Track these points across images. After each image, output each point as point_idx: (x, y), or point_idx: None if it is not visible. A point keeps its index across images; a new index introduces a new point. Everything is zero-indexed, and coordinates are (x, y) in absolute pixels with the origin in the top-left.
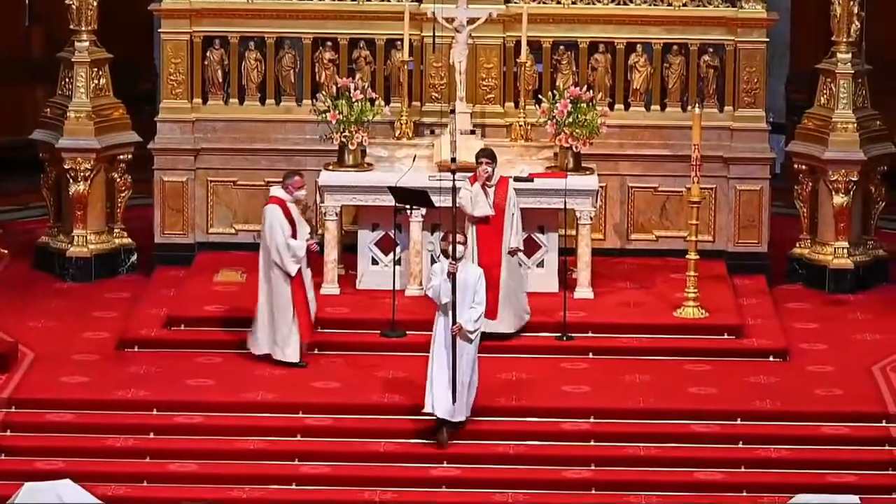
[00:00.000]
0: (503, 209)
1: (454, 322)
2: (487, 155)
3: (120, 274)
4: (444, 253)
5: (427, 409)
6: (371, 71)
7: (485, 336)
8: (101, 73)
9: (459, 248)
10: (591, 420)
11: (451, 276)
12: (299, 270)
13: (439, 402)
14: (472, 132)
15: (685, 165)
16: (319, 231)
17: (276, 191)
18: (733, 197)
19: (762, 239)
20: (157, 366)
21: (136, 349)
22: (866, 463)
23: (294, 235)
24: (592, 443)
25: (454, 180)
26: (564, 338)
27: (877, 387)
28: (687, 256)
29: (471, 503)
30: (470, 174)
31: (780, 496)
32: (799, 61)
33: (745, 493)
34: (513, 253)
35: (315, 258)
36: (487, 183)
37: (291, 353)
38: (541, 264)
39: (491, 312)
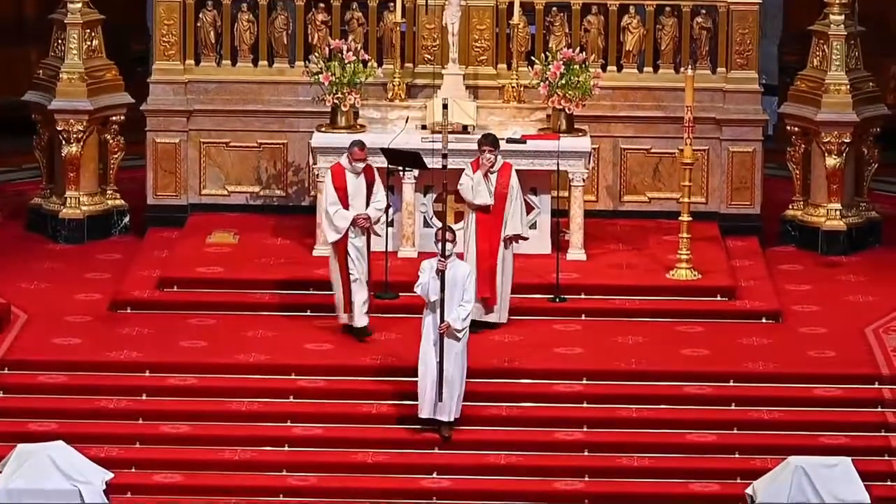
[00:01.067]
0: (504, 196)
1: (442, 320)
2: (490, 142)
3: (112, 235)
4: (438, 215)
5: (423, 415)
6: (364, 32)
7: (480, 325)
8: (93, 34)
9: (448, 245)
10: (584, 382)
11: (440, 273)
12: (344, 241)
13: (428, 404)
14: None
15: (678, 127)
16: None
17: (343, 158)
18: (726, 158)
19: (755, 201)
20: (150, 327)
21: (128, 311)
22: (858, 424)
23: (346, 206)
24: (585, 404)
25: (445, 184)
26: (557, 299)
27: (869, 348)
28: (679, 218)
29: (463, 464)
30: (459, 133)
31: (773, 457)
32: (792, 23)
33: (737, 455)
34: (512, 241)
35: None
36: (490, 170)
37: (345, 318)
38: (533, 226)
39: (491, 301)
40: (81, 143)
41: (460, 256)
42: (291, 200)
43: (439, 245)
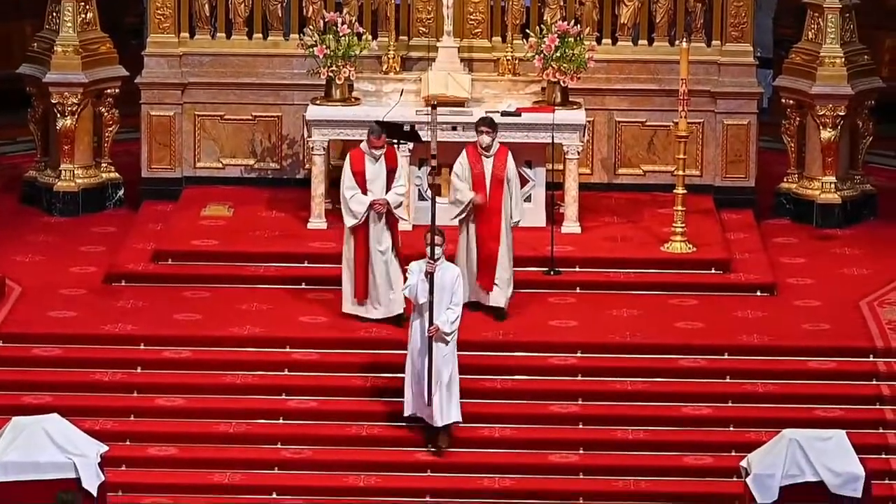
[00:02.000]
0: (501, 180)
1: (431, 323)
2: (487, 124)
3: (107, 208)
4: (432, 188)
5: (407, 413)
6: (358, 5)
7: (478, 307)
8: (88, 7)
9: (437, 248)
10: (578, 354)
11: (429, 275)
12: (364, 227)
13: (414, 401)
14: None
15: (673, 100)
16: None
17: (364, 142)
18: (721, 131)
19: (750, 173)
20: (145, 300)
21: (123, 283)
22: (853, 397)
23: (364, 190)
24: (579, 377)
25: (434, 196)
26: (552, 272)
27: (864, 321)
28: (674, 191)
29: (457, 438)
30: (456, 108)
31: (767, 430)
32: None
33: (731, 428)
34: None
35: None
36: (485, 153)
37: (350, 308)
38: (528, 199)
39: (488, 286)
40: (76, 116)
41: (450, 259)
42: (286, 173)
43: (428, 248)
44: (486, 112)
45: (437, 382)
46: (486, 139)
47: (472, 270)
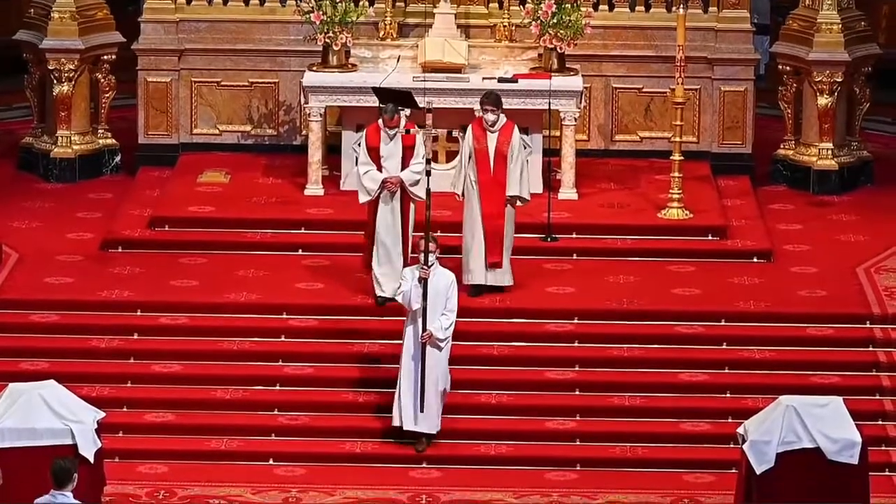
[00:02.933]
0: (505, 155)
1: (424, 329)
2: (493, 102)
3: (104, 175)
4: (428, 161)
5: (395, 423)
6: None
7: (487, 289)
8: None
9: (431, 254)
10: (575, 321)
11: (423, 281)
12: (376, 203)
13: (407, 414)
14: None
15: (669, 66)
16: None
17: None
18: (718, 98)
19: (746, 140)
20: (141, 267)
21: (119, 250)
22: (850, 364)
23: (379, 167)
24: (576, 344)
25: (429, 202)
26: (549, 239)
27: (861, 288)
28: (671, 157)
29: (454, 404)
30: (453, 74)
31: (764, 397)
32: None
33: (728, 395)
34: (514, 201)
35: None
36: (490, 128)
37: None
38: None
39: (498, 262)
40: (73, 83)
41: (439, 260)
42: (283, 140)
43: (421, 255)
44: (484, 79)
45: (431, 390)
46: (490, 117)
47: (477, 250)
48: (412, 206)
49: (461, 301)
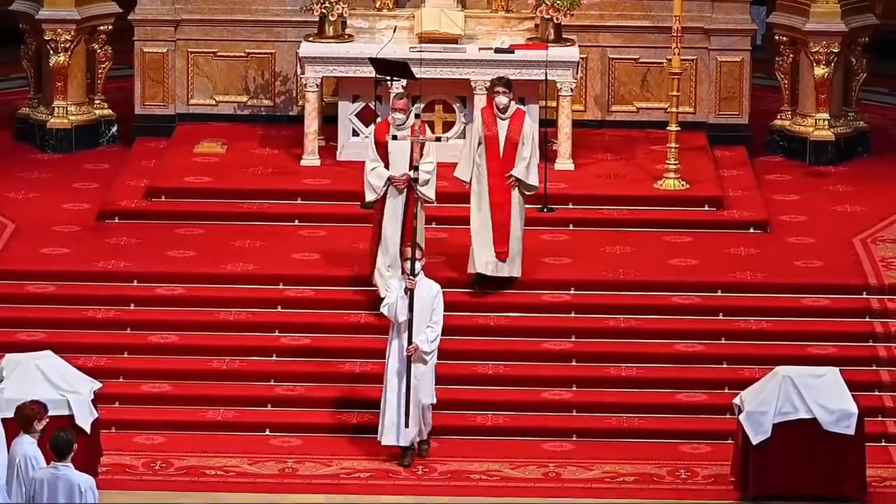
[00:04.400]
0: (516, 143)
1: (409, 342)
2: (504, 84)
3: (100, 145)
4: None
5: (380, 439)
6: None
7: (495, 280)
8: None
9: (417, 262)
10: (572, 292)
11: (409, 292)
12: (383, 202)
13: (390, 430)
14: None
15: (666, 37)
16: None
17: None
18: (714, 68)
19: (743, 110)
20: (138, 237)
21: (116, 220)
22: (847, 335)
23: (386, 164)
24: (573, 314)
25: (416, 217)
26: (545, 209)
27: (857, 258)
28: (668, 128)
29: (451, 375)
30: (449, 45)
31: (760, 368)
32: None
33: (724, 365)
34: (515, 184)
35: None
36: (501, 115)
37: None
38: (522, 101)
39: (504, 254)
40: (69, 53)
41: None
42: (279, 110)
43: (407, 264)
44: (480, 49)
45: (416, 404)
46: (502, 100)
47: (484, 240)
48: (418, 211)
49: (459, 272)
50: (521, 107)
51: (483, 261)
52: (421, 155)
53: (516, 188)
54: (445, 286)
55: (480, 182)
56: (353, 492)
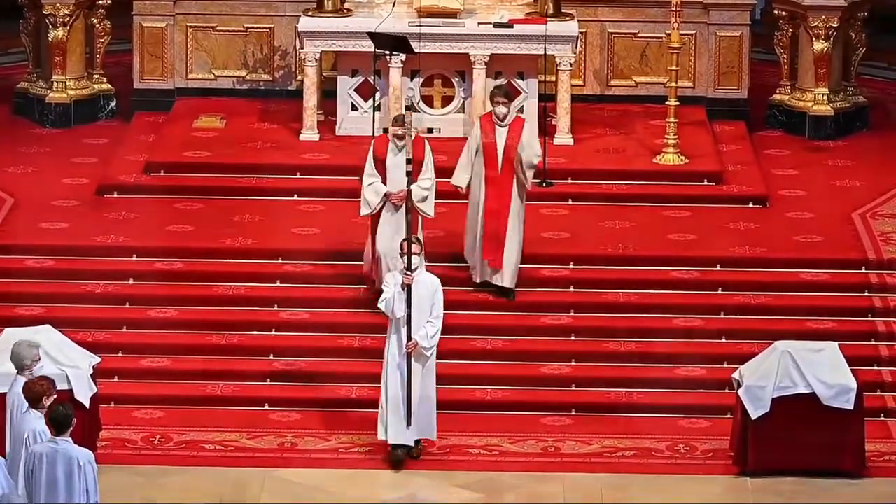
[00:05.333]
0: (514, 150)
1: (409, 338)
2: (503, 94)
3: (99, 120)
4: (424, 100)
5: (380, 437)
6: None
7: (495, 288)
8: None
9: (415, 257)
10: (571, 266)
11: (406, 287)
12: (378, 217)
13: (393, 429)
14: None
15: (665, 11)
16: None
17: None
18: (713, 43)
19: (742, 85)
20: (137, 212)
21: (115, 195)
22: (846, 309)
23: (384, 179)
24: (571, 289)
25: (409, 212)
26: (544, 184)
27: (856, 233)
28: (667, 103)
29: (449, 350)
30: (448, 19)
31: (759, 342)
32: None
33: (723, 340)
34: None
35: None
36: (500, 122)
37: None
38: (521, 111)
39: (496, 263)
40: (68, 28)
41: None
42: (278, 85)
43: (404, 258)
44: (479, 23)
45: (417, 401)
46: (501, 110)
47: (476, 252)
48: (419, 227)
49: (457, 246)
50: (521, 115)
51: (481, 269)
52: (420, 171)
53: (515, 191)
54: (445, 260)
55: (478, 190)
56: (353, 466)
